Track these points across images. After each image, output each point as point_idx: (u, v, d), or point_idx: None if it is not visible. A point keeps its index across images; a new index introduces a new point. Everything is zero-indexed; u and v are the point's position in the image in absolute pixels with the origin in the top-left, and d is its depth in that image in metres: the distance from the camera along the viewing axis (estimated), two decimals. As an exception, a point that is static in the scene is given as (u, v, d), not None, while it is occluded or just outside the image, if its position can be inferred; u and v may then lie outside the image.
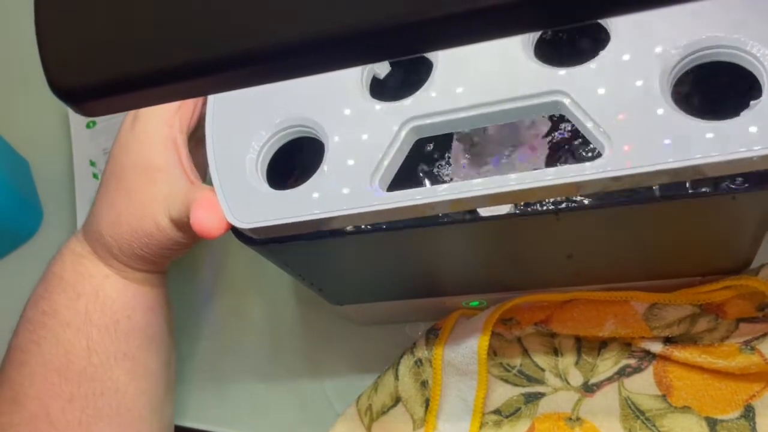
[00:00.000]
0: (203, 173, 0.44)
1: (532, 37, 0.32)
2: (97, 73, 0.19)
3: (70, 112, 0.59)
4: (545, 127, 0.36)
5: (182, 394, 0.51)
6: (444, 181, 0.37)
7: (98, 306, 0.39)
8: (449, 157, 0.37)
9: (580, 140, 0.34)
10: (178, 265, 0.54)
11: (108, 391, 0.39)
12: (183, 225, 0.37)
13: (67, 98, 0.20)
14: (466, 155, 0.36)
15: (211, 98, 0.36)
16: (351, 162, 0.31)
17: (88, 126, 0.58)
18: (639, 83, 0.28)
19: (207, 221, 0.33)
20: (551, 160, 0.35)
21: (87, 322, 0.39)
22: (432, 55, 0.32)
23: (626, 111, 0.28)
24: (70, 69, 0.20)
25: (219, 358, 0.51)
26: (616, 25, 0.30)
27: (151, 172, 0.38)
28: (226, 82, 0.20)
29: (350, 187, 0.31)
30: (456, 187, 0.30)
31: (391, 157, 0.31)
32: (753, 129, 0.26)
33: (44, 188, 0.61)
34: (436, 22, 0.17)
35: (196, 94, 0.22)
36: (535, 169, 0.33)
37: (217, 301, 0.53)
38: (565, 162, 0.35)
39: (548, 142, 0.36)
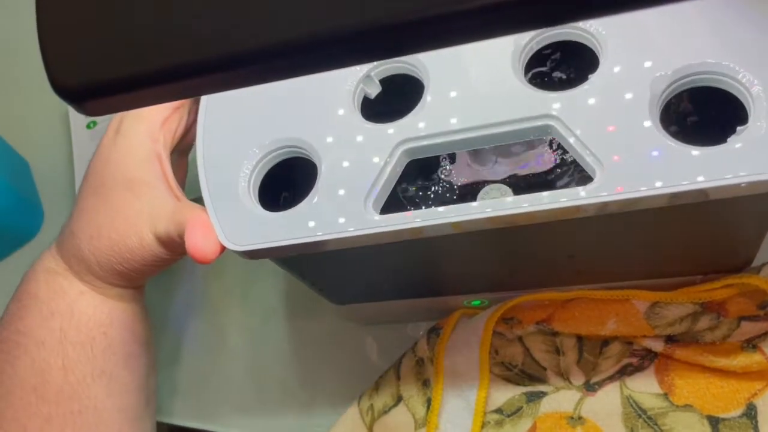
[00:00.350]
0: (182, 186, 0.44)
1: (523, 60, 0.32)
2: (99, 72, 0.19)
3: (71, 113, 0.59)
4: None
5: (185, 396, 0.51)
6: (441, 187, 0.37)
7: (73, 324, 0.39)
8: (448, 165, 0.37)
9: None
10: (169, 277, 0.54)
11: (86, 409, 0.39)
12: (168, 242, 0.36)
13: (68, 97, 0.20)
14: (471, 160, 0.36)
15: (201, 118, 0.35)
16: (343, 184, 0.31)
17: (88, 126, 0.58)
18: (628, 108, 0.29)
19: (203, 246, 0.33)
20: (552, 169, 0.35)
21: (62, 341, 0.39)
22: (423, 77, 0.33)
23: (616, 136, 0.28)
24: (72, 68, 0.20)
25: (220, 359, 0.51)
26: (606, 49, 0.30)
27: (135, 186, 0.37)
28: (226, 81, 0.20)
29: (343, 209, 0.31)
30: (450, 210, 0.30)
31: (384, 179, 0.31)
32: (739, 155, 0.27)
33: (45, 189, 0.61)
34: (427, 21, 0.17)
35: (197, 93, 0.22)
36: (535, 182, 0.33)
37: (217, 302, 0.53)
38: (564, 171, 0.35)
39: (549, 152, 0.36)
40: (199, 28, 0.19)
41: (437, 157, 0.37)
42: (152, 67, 0.20)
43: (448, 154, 0.37)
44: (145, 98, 0.21)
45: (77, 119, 0.58)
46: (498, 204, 0.29)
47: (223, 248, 0.33)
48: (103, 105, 0.21)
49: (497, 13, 0.17)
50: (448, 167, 0.36)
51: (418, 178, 0.37)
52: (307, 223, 0.31)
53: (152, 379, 0.44)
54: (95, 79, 0.19)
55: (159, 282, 0.52)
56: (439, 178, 0.37)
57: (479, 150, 0.36)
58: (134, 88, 0.20)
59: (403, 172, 0.32)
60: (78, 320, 0.39)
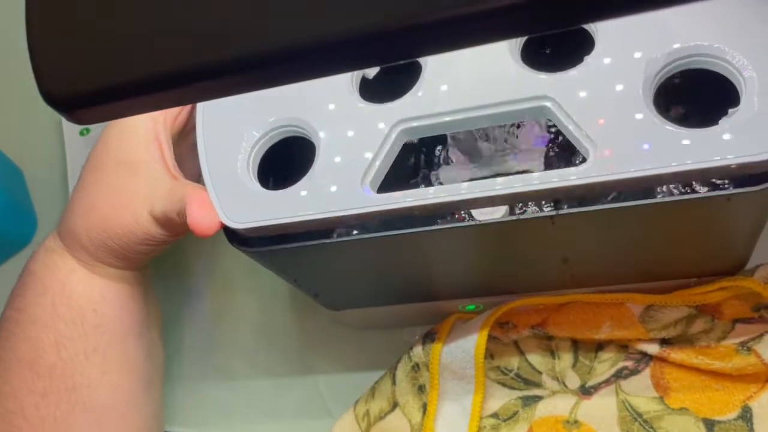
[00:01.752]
0: (196, 178, 0.44)
1: (519, 41, 0.32)
2: (89, 81, 0.19)
3: (64, 120, 0.59)
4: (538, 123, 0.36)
5: (177, 398, 0.51)
6: (436, 176, 0.37)
7: (65, 300, 0.39)
8: (442, 152, 0.37)
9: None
10: (171, 268, 0.54)
11: (80, 386, 0.39)
12: (165, 221, 0.37)
13: (58, 107, 0.20)
14: (459, 151, 0.36)
15: None
16: (342, 163, 0.32)
17: (81, 134, 0.58)
18: (622, 89, 0.29)
19: (203, 219, 0.33)
20: (546, 156, 0.35)
21: (54, 317, 0.39)
22: (421, 58, 0.33)
23: (610, 117, 0.29)
24: (62, 77, 0.20)
25: (214, 363, 0.51)
26: (601, 31, 0.30)
27: (132, 166, 0.37)
28: (216, 90, 0.20)
29: (341, 188, 0.31)
30: (445, 189, 0.30)
31: (382, 158, 0.31)
32: (730, 137, 0.27)
33: (39, 196, 0.61)
34: (423, 27, 0.17)
35: (188, 101, 0.22)
36: (527, 169, 0.33)
37: (211, 305, 0.53)
38: (557, 156, 0.35)
39: (542, 137, 0.36)
40: (192, 34, 0.19)
41: (430, 149, 0.37)
42: (143, 75, 0.20)
43: (441, 148, 0.37)
44: (136, 106, 0.21)
45: (70, 127, 0.58)
46: (491, 184, 0.29)
47: (223, 224, 0.33)
48: (94, 113, 0.21)
49: (504, 18, 0.17)
50: (441, 160, 0.37)
51: (413, 170, 0.37)
52: (305, 201, 0.32)
53: (156, 362, 0.44)
54: (85, 87, 0.19)
55: (164, 269, 0.51)
56: (433, 172, 0.37)
57: (471, 144, 0.36)
58: (124, 96, 0.20)
59: (398, 162, 0.32)
60: (69, 297, 0.39)
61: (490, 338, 0.40)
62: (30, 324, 0.39)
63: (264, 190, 0.33)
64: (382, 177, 0.32)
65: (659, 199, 0.28)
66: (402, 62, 0.32)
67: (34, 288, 0.40)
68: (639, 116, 0.28)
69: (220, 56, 0.18)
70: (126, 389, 0.41)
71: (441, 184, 0.37)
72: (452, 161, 0.37)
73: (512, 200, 0.30)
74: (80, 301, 0.39)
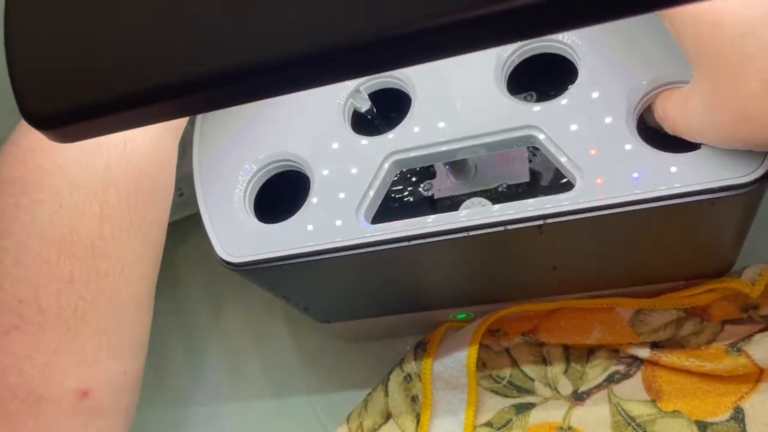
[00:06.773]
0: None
1: (505, 73, 0.33)
2: (69, 99, 0.19)
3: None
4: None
5: (168, 414, 0.50)
6: (428, 197, 0.37)
7: (123, 161, 0.31)
8: (434, 174, 0.37)
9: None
10: (162, 284, 0.53)
11: (113, 271, 0.31)
12: None
13: (39, 125, 0.20)
14: (451, 174, 0.36)
15: (197, 133, 0.36)
16: (336, 195, 0.33)
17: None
18: (606, 117, 0.30)
19: None
20: (533, 177, 0.35)
21: (105, 182, 0.30)
22: (410, 91, 0.34)
23: (595, 144, 0.30)
24: (43, 95, 0.20)
25: (205, 376, 0.51)
26: (584, 61, 0.31)
27: None
28: (197, 105, 0.20)
29: (337, 220, 0.32)
30: (440, 219, 0.31)
31: (376, 189, 0.32)
32: (712, 160, 0.28)
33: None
34: (411, 35, 0.17)
35: (174, 116, 0.22)
36: (514, 194, 0.34)
37: (202, 322, 0.53)
38: (546, 177, 0.35)
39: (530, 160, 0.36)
40: (174, 48, 0.19)
41: (421, 173, 0.37)
42: (127, 90, 0.20)
43: (430, 171, 0.37)
44: (121, 122, 0.21)
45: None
46: (486, 212, 0.30)
47: None
48: (75, 131, 0.20)
49: (480, 26, 0.17)
50: (430, 182, 0.37)
51: (404, 193, 0.37)
52: (301, 234, 0.32)
53: None
54: (66, 105, 0.19)
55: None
56: (423, 193, 0.37)
57: (459, 165, 0.36)
58: (108, 112, 0.20)
59: (389, 187, 0.33)
60: (128, 157, 0.31)
61: (482, 346, 0.40)
62: (68, 190, 0.30)
63: (260, 223, 0.34)
64: (376, 207, 0.33)
65: (645, 205, 0.29)
66: (394, 70, 0.32)
67: (79, 143, 0.30)
68: (624, 143, 0.29)
69: (199, 71, 0.18)
70: (149, 280, 0.34)
71: (431, 197, 0.37)
72: (441, 174, 0.37)
73: (504, 225, 0.31)
74: (141, 164, 0.31)
